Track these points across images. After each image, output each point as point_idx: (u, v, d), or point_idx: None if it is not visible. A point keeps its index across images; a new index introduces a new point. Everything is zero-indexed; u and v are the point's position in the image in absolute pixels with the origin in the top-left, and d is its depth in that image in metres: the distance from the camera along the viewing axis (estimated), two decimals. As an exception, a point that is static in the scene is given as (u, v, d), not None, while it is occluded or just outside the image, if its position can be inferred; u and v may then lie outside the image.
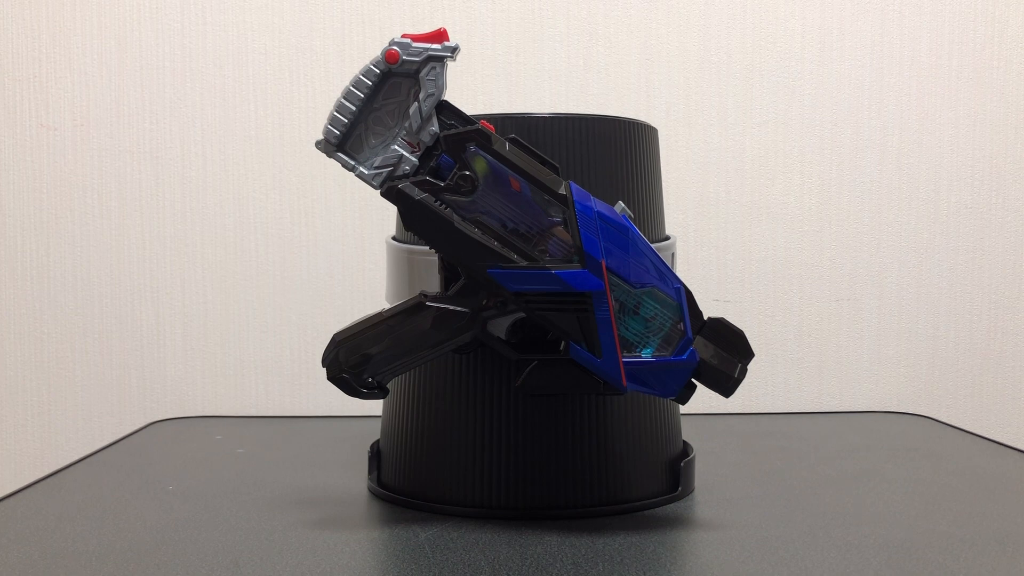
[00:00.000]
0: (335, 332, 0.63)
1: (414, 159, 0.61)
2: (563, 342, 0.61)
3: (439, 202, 0.60)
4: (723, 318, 0.62)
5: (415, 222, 0.60)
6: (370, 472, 0.75)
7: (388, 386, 0.63)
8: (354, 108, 0.61)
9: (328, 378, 0.62)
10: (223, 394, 1.12)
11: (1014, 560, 0.59)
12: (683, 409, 0.73)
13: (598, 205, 0.60)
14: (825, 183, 1.12)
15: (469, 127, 0.61)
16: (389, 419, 0.74)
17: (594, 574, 0.56)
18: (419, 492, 0.70)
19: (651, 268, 0.60)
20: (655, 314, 0.61)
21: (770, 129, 1.11)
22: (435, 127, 0.60)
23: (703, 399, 0.67)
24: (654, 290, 0.61)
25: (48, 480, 0.78)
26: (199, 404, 1.12)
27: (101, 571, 0.57)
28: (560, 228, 0.60)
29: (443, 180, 0.61)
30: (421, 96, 0.60)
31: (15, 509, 0.70)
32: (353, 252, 1.11)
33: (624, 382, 0.61)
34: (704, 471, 0.77)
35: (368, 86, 0.61)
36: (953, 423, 1.06)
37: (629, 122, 0.71)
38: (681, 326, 0.61)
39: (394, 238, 0.74)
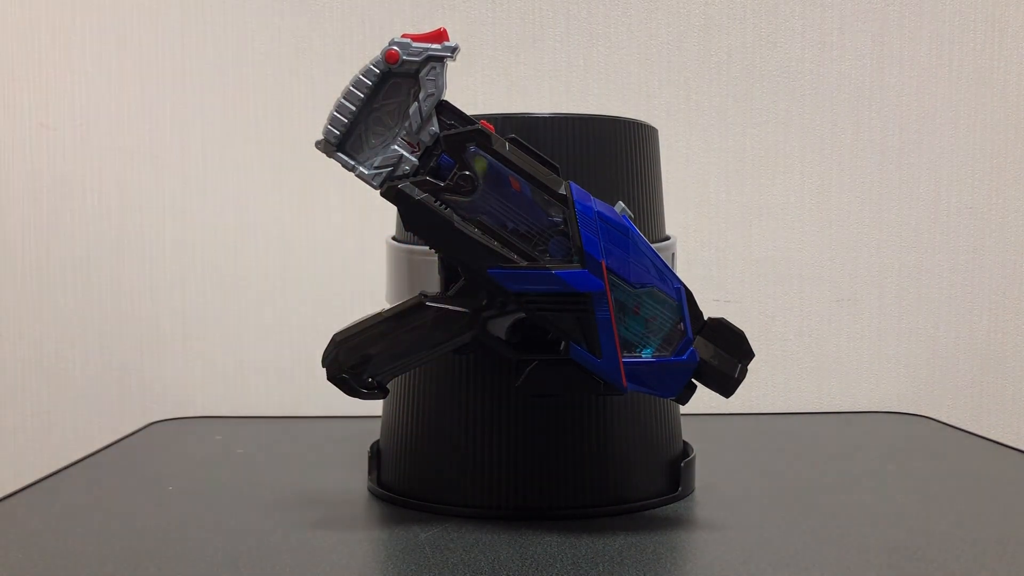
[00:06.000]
0: (335, 332, 0.63)
1: (414, 159, 0.61)
2: (563, 342, 0.61)
3: (439, 202, 0.60)
4: (723, 318, 0.62)
5: (415, 222, 0.60)
6: (370, 472, 0.75)
7: (388, 386, 0.63)
8: (354, 108, 0.61)
9: (328, 378, 0.62)
10: (223, 394, 1.12)
11: (1014, 560, 0.59)
12: (683, 409, 0.73)
13: (598, 205, 0.60)
14: (825, 183, 1.12)
15: (469, 127, 0.61)
16: (389, 419, 0.74)
17: (594, 574, 0.56)
18: (419, 492, 0.70)
19: (651, 268, 0.60)
20: (655, 314, 0.61)
21: (770, 129, 1.11)
22: (435, 127, 0.60)
23: (703, 399, 0.67)
24: (654, 290, 0.61)
25: (48, 480, 0.78)
26: (199, 404, 1.12)
27: (101, 571, 0.57)
28: (560, 228, 0.60)
29: (443, 180, 0.61)
30: (421, 96, 0.60)
31: (15, 509, 0.70)
32: (353, 252, 1.11)
33: (624, 382, 0.61)
34: (704, 471, 0.77)
35: (368, 86, 0.61)
36: (953, 423, 1.05)
37: (629, 122, 0.70)
38: (681, 326, 0.61)
39: (394, 238, 0.74)
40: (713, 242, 1.12)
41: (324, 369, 0.62)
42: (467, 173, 0.60)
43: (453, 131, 0.60)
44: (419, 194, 0.60)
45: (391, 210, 0.70)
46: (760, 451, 0.89)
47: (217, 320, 1.11)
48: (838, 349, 1.13)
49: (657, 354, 0.61)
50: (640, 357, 0.61)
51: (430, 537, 0.63)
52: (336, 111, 0.61)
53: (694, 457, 0.75)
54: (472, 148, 0.60)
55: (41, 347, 1.11)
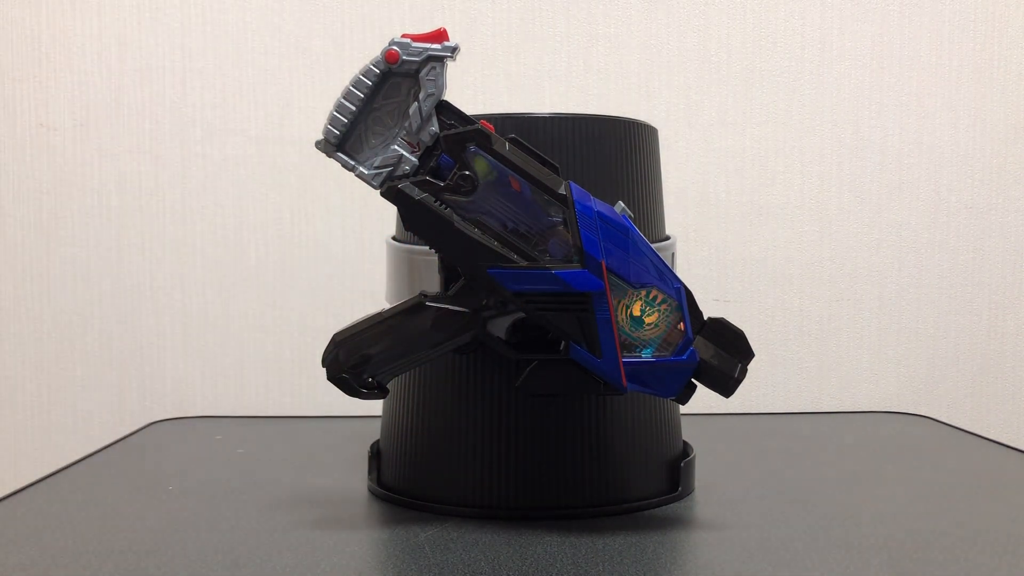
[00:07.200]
0: (335, 332, 0.63)
1: (414, 159, 0.61)
2: (563, 342, 0.61)
3: (439, 202, 0.60)
4: (723, 318, 0.62)
5: (415, 222, 0.60)
6: (370, 472, 0.75)
7: (388, 386, 0.63)
8: (354, 108, 0.61)
9: (328, 378, 0.62)
10: (223, 394, 1.12)
11: (1014, 560, 0.59)
12: (683, 409, 0.73)
13: (598, 205, 0.60)
14: (825, 183, 1.12)
15: (469, 127, 0.61)
16: (389, 419, 0.74)
17: (594, 574, 0.56)
18: (419, 492, 0.70)
19: (651, 268, 0.60)
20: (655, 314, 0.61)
21: (770, 129, 1.11)
22: (435, 127, 0.60)
23: (703, 399, 0.67)
24: (654, 290, 0.61)
25: (48, 480, 0.78)
26: (199, 404, 1.12)
27: (101, 571, 0.57)
28: (560, 228, 0.60)
29: (443, 180, 0.61)
30: (421, 96, 0.60)
31: (15, 509, 0.70)
32: (353, 252, 1.11)
33: (624, 382, 0.61)
34: (704, 471, 0.77)
35: (368, 86, 0.61)
36: (953, 423, 1.06)
37: (629, 122, 0.71)
38: (681, 326, 0.61)
39: (394, 238, 0.74)
40: (713, 242, 1.12)
41: (324, 369, 0.62)
42: (467, 173, 0.60)
43: (453, 131, 0.60)
44: (419, 194, 0.60)
45: (391, 210, 0.70)
46: (760, 451, 0.89)
47: (217, 320, 1.11)
48: (838, 349, 1.13)
49: (657, 354, 0.61)
50: (640, 357, 0.61)
51: (430, 537, 0.63)
52: (336, 111, 0.61)
53: (694, 457, 0.75)
54: (472, 148, 0.60)
55: (41, 347, 1.11)
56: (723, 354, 0.62)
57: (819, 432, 0.99)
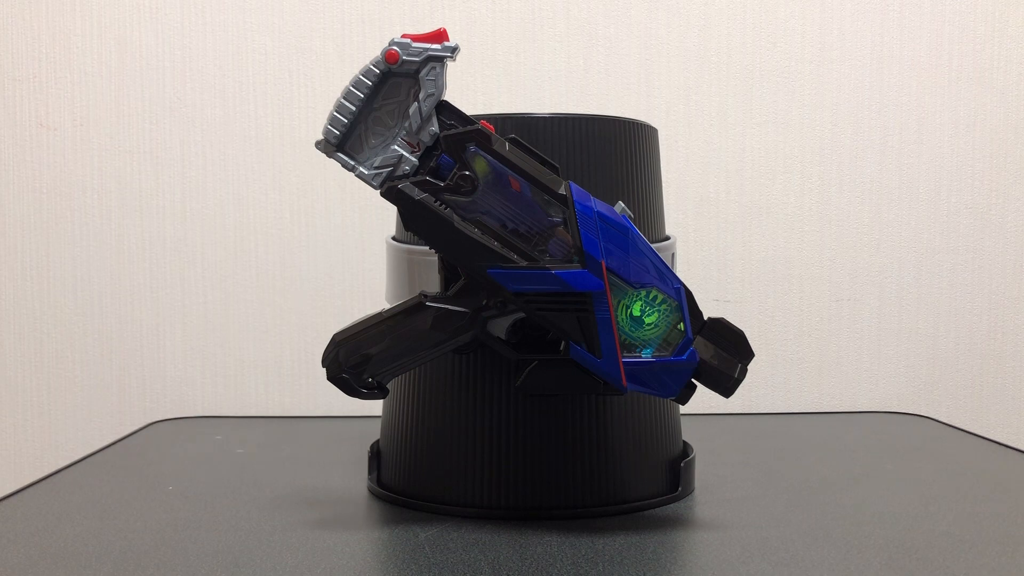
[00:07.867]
0: (335, 332, 0.63)
1: (414, 159, 0.61)
2: (563, 342, 0.61)
3: (439, 202, 0.60)
4: (723, 318, 0.62)
5: (415, 222, 0.60)
6: (370, 472, 0.75)
7: (388, 386, 0.63)
8: (354, 108, 0.61)
9: (328, 378, 0.62)
10: (223, 394, 1.12)
11: (1014, 560, 0.59)
12: (683, 409, 0.73)
13: (598, 205, 0.60)
14: (825, 183, 1.12)
15: (469, 127, 0.61)
16: (389, 419, 0.74)
17: (594, 574, 0.56)
18: (419, 492, 0.70)
19: (651, 268, 0.60)
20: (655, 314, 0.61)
21: (770, 129, 1.11)
22: (435, 127, 0.60)
23: (703, 399, 0.67)
24: (654, 290, 0.61)
25: (48, 480, 0.78)
26: (199, 404, 1.12)
27: (101, 571, 0.57)
28: (560, 228, 0.60)
29: (443, 180, 0.61)
30: (421, 96, 0.60)
31: (15, 509, 0.70)
32: (353, 252, 1.11)
33: (624, 382, 0.61)
34: (704, 471, 0.77)
35: (368, 86, 0.61)
36: (953, 423, 1.06)
37: (629, 122, 0.71)
38: (681, 326, 0.61)
39: (394, 238, 0.74)
40: (713, 242, 1.12)
41: (324, 369, 0.62)
42: (467, 173, 0.60)
43: (453, 131, 0.60)
44: (419, 194, 0.60)
45: (391, 210, 0.70)
46: (760, 451, 0.89)
47: (217, 320, 1.11)
48: (838, 349, 1.13)
49: (657, 354, 0.61)
50: (640, 357, 0.61)
51: (430, 537, 0.63)
52: (336, 111, 0.61)
53: (694, 457, 0.75)
54: (472, 148, 0.60)
55: (41, 347, 1.11)
56: (723, 354, 0.62)
57: (819, 432, 0.99)
